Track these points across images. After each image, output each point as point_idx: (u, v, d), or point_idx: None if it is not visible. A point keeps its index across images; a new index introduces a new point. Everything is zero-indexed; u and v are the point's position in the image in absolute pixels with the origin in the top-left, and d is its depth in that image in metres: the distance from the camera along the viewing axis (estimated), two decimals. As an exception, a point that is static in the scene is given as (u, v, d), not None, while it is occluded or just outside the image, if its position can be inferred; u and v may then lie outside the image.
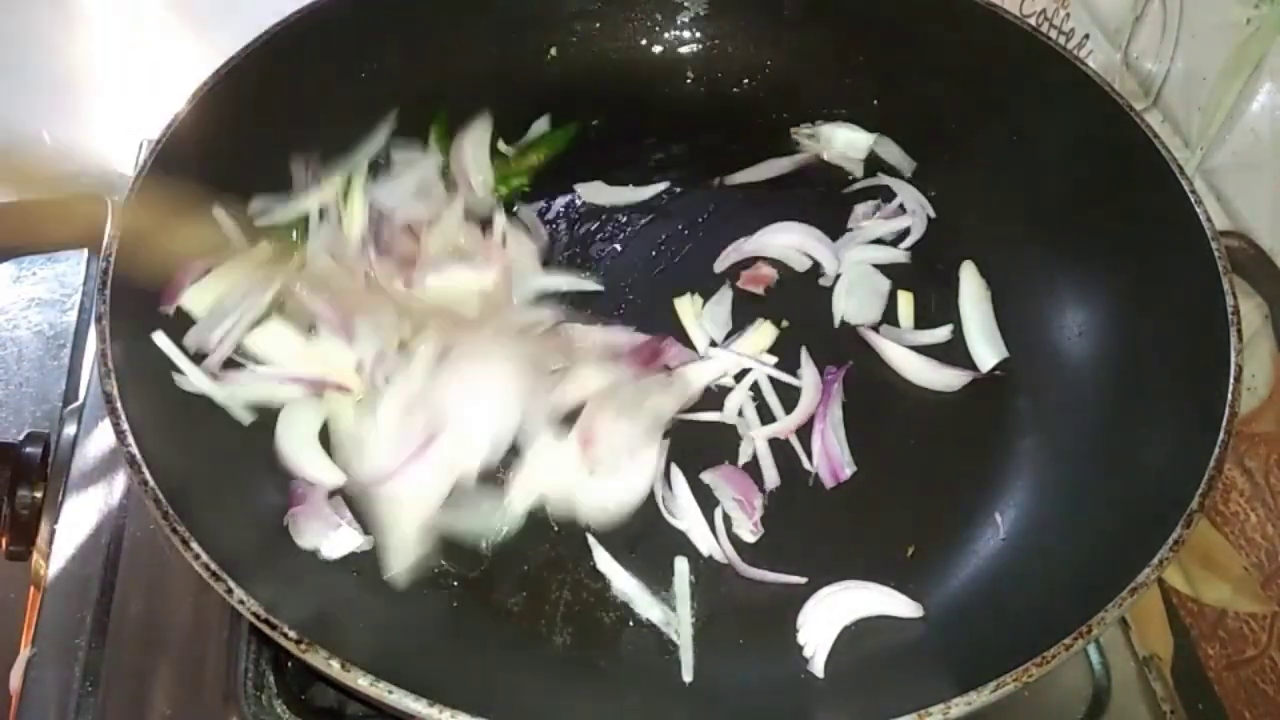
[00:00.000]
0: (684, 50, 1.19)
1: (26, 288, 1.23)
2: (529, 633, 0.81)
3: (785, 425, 0.92)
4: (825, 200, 1.09)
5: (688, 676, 0.79)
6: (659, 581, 0.83)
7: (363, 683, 0.63)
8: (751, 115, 1.16)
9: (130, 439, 0.71)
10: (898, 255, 1.04)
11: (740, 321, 0.99)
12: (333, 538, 0.82)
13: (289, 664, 0.85)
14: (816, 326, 0.99)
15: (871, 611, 0.81)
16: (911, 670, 0.78)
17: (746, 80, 1.19)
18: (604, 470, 0.85)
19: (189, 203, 0.87)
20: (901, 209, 1.07)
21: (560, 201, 1.09)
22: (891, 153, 1.12)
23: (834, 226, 1.06)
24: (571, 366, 0.89)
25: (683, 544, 0.86)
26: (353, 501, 0.84)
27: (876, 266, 1.03)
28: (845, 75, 1.14)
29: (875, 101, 1.13)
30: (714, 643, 0.81)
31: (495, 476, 0.86)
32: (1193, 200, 0.86)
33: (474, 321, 0.93)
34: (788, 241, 1.05)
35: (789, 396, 0.94)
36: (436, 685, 0.63)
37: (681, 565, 0.84)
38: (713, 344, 0.97)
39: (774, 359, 0.96)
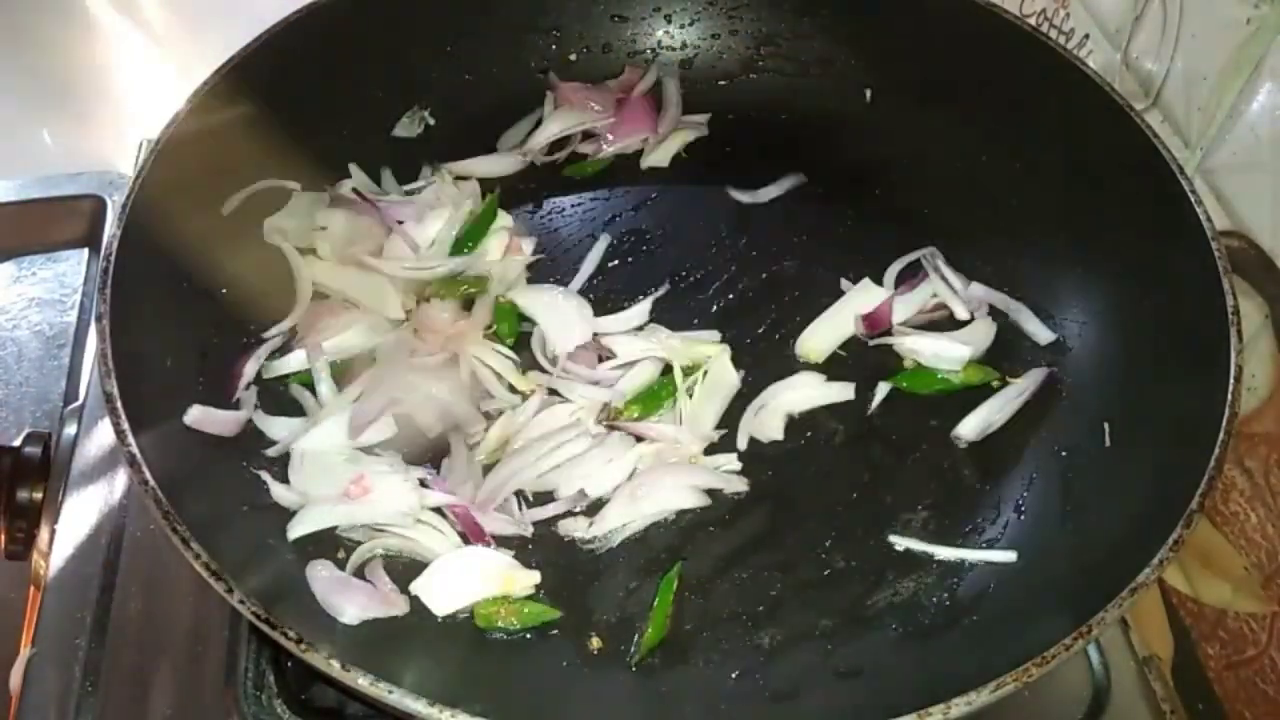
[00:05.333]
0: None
1: (26, 288, 1.23)
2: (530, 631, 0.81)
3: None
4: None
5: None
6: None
7: (363, 683, 0.63)
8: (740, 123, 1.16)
9: (130, 439, 0.71)
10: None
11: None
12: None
13: (289, 664, 0.85)
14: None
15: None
16: (911, 668, 0.78)
17: (724, 82, 1.19)
18: None
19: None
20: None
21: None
22: None
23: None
24: None
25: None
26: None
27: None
28: (838, 78, 1.14)
29: (871, 101, 1.13)
30: (714, 642, 0.81)
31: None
32: (1193, 200, 0.86)
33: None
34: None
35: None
36: (437, 685, 0.63)
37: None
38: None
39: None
